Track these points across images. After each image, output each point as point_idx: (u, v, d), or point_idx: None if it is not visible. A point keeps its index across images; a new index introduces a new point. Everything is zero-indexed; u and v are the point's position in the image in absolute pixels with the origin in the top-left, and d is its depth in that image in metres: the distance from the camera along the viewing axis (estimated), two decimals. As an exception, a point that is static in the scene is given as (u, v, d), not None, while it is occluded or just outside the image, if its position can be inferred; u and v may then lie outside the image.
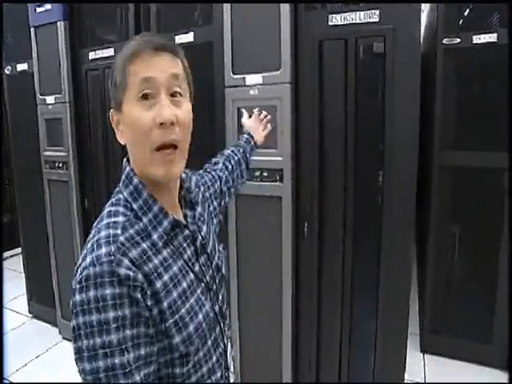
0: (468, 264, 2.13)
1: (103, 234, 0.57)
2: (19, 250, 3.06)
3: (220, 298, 0.73)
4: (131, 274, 0.54)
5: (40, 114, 2.35)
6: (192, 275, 0.65)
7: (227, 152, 1.14)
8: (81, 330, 0.52)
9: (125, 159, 0.67)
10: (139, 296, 0.54)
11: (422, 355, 2.17)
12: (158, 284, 0.58)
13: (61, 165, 2.32)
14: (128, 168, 0.65)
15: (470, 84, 2.03)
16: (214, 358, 0.67)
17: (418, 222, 1.50)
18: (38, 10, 2.23)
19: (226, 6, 1.64)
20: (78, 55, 2.24)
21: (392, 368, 1.57)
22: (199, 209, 0.76)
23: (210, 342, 0.66)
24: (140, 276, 0.55)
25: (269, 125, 1.38)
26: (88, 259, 0.54)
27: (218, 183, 0.96)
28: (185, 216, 0.71)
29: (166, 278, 0.59)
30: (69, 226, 2.32)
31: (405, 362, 1.54)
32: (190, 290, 0.64)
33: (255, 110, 1.41)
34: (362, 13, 1.50)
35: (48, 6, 2.19)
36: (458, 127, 2.04)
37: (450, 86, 2.02)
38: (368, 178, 1.57)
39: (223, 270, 0.76)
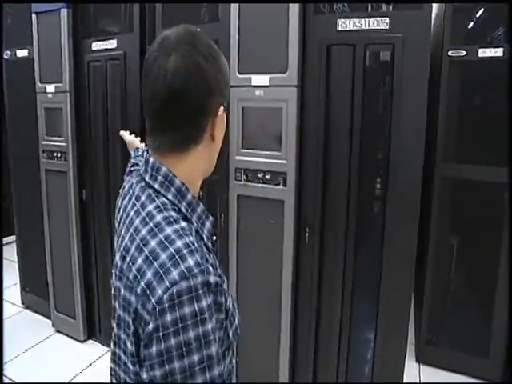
0: (466, 276, 2.15)
1: (180, 243, 0.52)
2: (12, 237, 3.03)
3: None
4: (218, 279, 0.53)
5: (39, 102, 2.32)
6: (221, 268, 0.67)
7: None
8: (172, 353, 0.48)
9: (153, 159, 0.61)
10: (222, 299, 0.54)
11: (417, 365, 2.19)
12: (224, 283, 0.57)
13: (59, 155, 2.29)
14: (164, 169, 0.59)
15: (474, 97, 2.05)
16: (235, 347, 0.68)
17: (418, 232, 1.52)
18: (41, -5, 2.19)
19: (234, 5, 1.63)
20: (80, 45, 2.21)
21: (390, 375, 1.59)
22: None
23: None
24: (219, 278, 0.54)
25: None
26: (175, 274, 0.49)
27: None
28: None
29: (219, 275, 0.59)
30: (65, 217, 2.30)
31: (403, 367, 1.56)
32: (226, 284, 0.64)
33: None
34: (372, 19, 1.50)
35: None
36: (460, 140, 2.06)
37: (454, 98, 2.03)
38: (372, 185, 1.58)
39: None
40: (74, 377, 2.03)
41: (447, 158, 2.06)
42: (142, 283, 0.51)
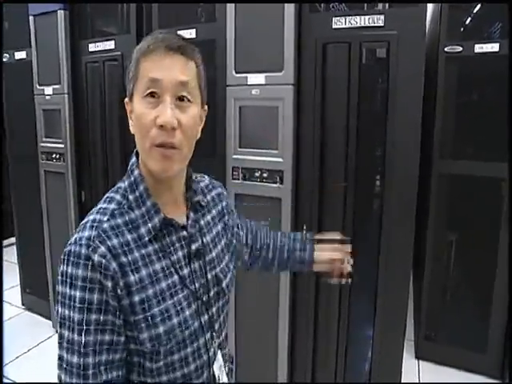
0: (464, 272, 2.15)
1: (91, 217, 0.62)
2: (12, 239, 3.03)
3: (213, 310, 0.71)
4: (104, 261, 0.57)
5: (37, 104, 2.33)
6: (176, 277, 0.65)
7: (275, 233, 1.02)
8: (59, 297, 0.57)
9: (135, 150, 0.69)
10: (110, 285, 0.57)
11: (416, 362, 2.19)
12: (133, 277, 0.59)
13: (58, 156, 2.30)
14: (133, 159, 0.68)
15: (470, 93, 2.04)
16: (192, 367, 0.66)
17: (416, 229, 1.51)
18: (38, -3, 2.19)
19: (230, 5, 1.63)
20: (77, 46, 2.21)
21: (388, 372, 1.59)
22: (208, 216, 0.76)
23: (189, 350, 0.65)
24: (114, 265, 0.58)
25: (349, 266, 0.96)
26: (73, 237, 0.59)
27: (246, 235, 0.94)
28: (188, 217, 0.71)
29: (143, 273, 0.61)
30: (65, 218, 2.30)
31: (401, 366, 1.56)
32: (170, 292, 0.63)
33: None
34: (367, 17, 1.50)
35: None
36: (457, 136, 2.05)
37: (451, 94, 2.02)
38: (369, 183, 1.58)
39: (224, 285, 0.74)
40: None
41: (444, 154, 2.05)
42: None
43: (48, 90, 2.26)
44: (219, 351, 0.73)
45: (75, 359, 0.55)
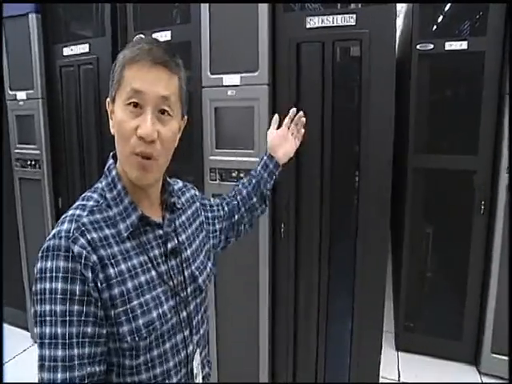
0: (441, 263, 2.20)
1: (70, 213, 0.63)
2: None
3: (191, 307, 0.73)
4: (84, 252, 0.58)
5: (10, 110, 2.27)
6: (154, 273, 0.67)
7: (239, 186, 1.06)
8: (37, 296, 0.56)
9: (111, 153, 0.70)
10: (90, 276, 0.57)
11: (396, 353, 2.22)
12: (112, 270, 0.61)
13: (33, 163, 2.25)
14: (110, 161, 0.69)
15: (443, 89, 2.09)
16: (171, 363, 0.67)
17: (393, 223, 1.53)
18: (8, -2, 2.14)
19: (204, 6, 1.63)
20: (51, 50, 2.17)
21: (367, 366, 1.60)
22: (183, 217, 0.78)
23: (168, 345, 0.67)
24: (94, 257, 0.59)
25: (302, 130, 1.12)
26: (52, 233, 0.60)
27: (227, 210, 0.97)
28: (163, 218, 0.73)
29: (122, 266, 0.62)
30: (41, 226, 2.25)
31: (379, 361, 1.58)
32: (148, 287, 0.65)
33: (291, 111, 1.09)
34: (339, 16, 1.52)
35: (20, -3, 2.11)
36: (431, 131, 2.10)
37: (424, 90, 2.07)
38: (344, 180, 1.59)
39: (200, 281, 0.76)
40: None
41: (418, 148, 2.10)
42: None
43: (21, 95, 2.21)
44: (198, 349, 0.75)
45: (59, 352, 0.54)
